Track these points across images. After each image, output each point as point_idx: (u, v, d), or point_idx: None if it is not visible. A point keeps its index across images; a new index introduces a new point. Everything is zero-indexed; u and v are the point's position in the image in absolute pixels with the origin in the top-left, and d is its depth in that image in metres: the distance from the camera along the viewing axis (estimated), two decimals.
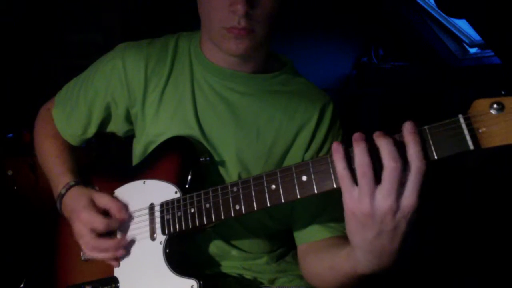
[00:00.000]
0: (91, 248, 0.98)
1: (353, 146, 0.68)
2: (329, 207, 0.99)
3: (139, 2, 2.99)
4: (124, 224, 1.02)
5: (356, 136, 0.68)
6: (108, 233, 1.00)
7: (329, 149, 1.07)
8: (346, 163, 0.69)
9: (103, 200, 1.00)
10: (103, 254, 0.99)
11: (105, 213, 1.00)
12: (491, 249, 2.05)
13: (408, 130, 0.65)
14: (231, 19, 0.89)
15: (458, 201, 2.29)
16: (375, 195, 0.66)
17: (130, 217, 1.02)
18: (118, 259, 1.02)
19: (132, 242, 1.01)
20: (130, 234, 1.02)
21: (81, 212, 0.98)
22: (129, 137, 1.18)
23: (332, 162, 0.73)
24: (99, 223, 0.97)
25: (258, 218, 1.08)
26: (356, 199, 0.68)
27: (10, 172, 2.21)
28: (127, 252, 1.01)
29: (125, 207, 1.02)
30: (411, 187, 0.65)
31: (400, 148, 0.65)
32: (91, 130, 1.15)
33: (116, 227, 1.00)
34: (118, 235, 1.02)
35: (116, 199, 1.02)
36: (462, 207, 2.27)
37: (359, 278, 0.82)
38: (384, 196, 0.65)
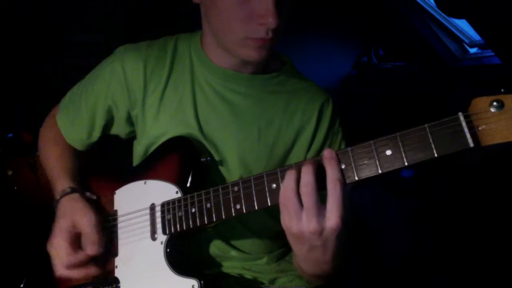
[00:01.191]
0: (58, 275, 1.00)
1: (286, 174, 0.76)
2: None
3: (139, 3, 2.98)
4: (123, 227, 1.03)
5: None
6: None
7: (330, 147, 1.08)
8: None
9: (82, 226, 1.00)
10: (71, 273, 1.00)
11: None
12: (491, 249, 2.05)
13: (324, 157, 0.73)
14: (258, 30, 0.89)
15: (457, 201, 2.29)
16: (302, 217, 0.73)
17: (130, 212, 1.03)
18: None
19: (132, 243, 1.02)
20: (131, 234, 1.02)
21: (56, 236, 1.00)
22: (130, 138, 1.18)
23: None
24: (64, 257, 0.98)
25: (260, 219, 1.08)
26: (287, 220, 0.75)
27: (10, 172, 2.21)
28: (128, 248, 1.02)
29: (99, 240, 1.00)
30: (331, 209, 0.71)
31: (322, 173, 0.73)
32: (96, 134, 1.15)
33: (82, 262, 1.00)
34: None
35: (96, 229, 1.00)
36: (461, 206, 2.27)
37: (313, 278, 0.91)
38: (308, 219, 0.73)
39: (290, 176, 0.74)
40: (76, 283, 1.06)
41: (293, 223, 0.74)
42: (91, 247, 0.99)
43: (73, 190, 1.06)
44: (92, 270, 1.01)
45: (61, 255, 0.98)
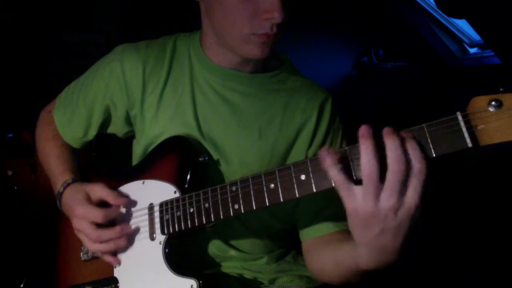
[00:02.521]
0: (93, 240, 0.98)
1: (359, 143, 0.67)
2: (334, 201, 1.00)
3: (139, 3, 2.99)
4: (124, 214, 1.02)
5: (364, 132, 0.68)
6: (109, 225, 1.00)
7: (331, 144, 1.09)
8: (340, 166, 0.69)
9: (97, 191, 1.00)
10: (106, 245, 0.98)
11: (102, 204, 1.00)
12: (491, 249, 2.05)
13: (405, 136, 0.66)
14: (264, 26, 0.89)
15: (457, 201, 2.29)
16: (379, 194, 0.67)
17: (129, 212, 1.02)
18: (118, 259, 1.02)
19: (131, 241, 1.01)
20: (130, 233, 1.02)
21: (77, 207, 0.98)
22: (129, 137, 1.18)
23: None
24: (97, 214, 0.96)
25: (262, 219, 1.08)
26: (359, 199, 0.68)
27: (10, 172, 2.21)
28: (127, 249, 1.01)
29: (120, 193, 1.02)
30: (413, 187, 0.66)
31: (403, 149, 0.66)
32: (92, 133, 1.15)
33: (115, 215, 1.00)
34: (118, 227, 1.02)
35: (112, 190, 1.01)
36: (461, 206, 2.27)
37: (361, 273, 0.83)
38: (387, 196, 0.66)
39: (367, 150, 0.66)
40: (77, 281, 1.07)
41: (367, 203, 0.68)
42: (118, 198, 0.99)
43: (74, 181, 1.07)
44: (122, 228, 0.99)
45: (94, 214, 0.97)
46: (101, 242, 0.98)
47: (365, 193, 0.67)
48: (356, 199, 0.69)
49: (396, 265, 0.76)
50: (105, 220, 0.97)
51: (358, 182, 0.69)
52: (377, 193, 0.67)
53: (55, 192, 1.09)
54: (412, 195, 0.66)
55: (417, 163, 0.65)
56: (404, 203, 0.66)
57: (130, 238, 1.01)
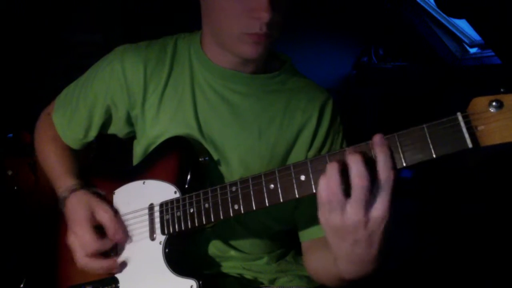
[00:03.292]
0: (80, 265, 1.00)
1: (327, 167, 0.69)
2: None
3: (139, 3, 2.99)
4: (123, 219, 1.03)
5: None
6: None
7: (331, 145, 1.09)
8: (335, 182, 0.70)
9: (101, 215, 1.01)
10: (94, 271, 1.01)
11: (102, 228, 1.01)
12: (491, 250, 2.05)
13: (375, 143, 0.68)
14: (252, 25, 0.90)
15: (457, 201, 2.29)
16: (346, 209, 0.68)
17: (129, 213, 1.03)
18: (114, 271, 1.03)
19: (131, 241, 1.01)
20: (130, 234, 1.02)
21: (77, 225, 1.00)
22: (130, 137, 1.18)
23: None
24: (90, 244, 0.98)
25: (261, 220, 1.08)
26: (328, 214, 0.70)
27: (10, 172, 2.22)
28: (127, 248, 1.01)
29: (123, 228, 1.02)
30: (380, 198, 0.67)
31: (370, 162, 0.68)
32: (92, 134, 1.15)
33: (108, 249, 1.01)
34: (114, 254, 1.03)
35: (116, 218, 1.01)
36: (461, 206, 2.27)
37: (347, 282, 0.84)
38: (354, 210, 0.68)
39: (334, 168, 0.68)
40: (78, 281, 1.07)
41: (336, 217, 0.69)
42: (117, 234, 1.00)
43: (81, 187, 1.07)
44: (111, 263, 1.00)
45: (86, 243, 0.98)
46: (88, 269, 1.00)
47: (331, 208, 0.69)
48: (326, 213, 0.71)
49: (377, 273, 0.78)
50: (97, 252, 0.99)
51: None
52: (343, 208, 0.68)
53: (57, 194, 1.09)
54: (380, 207, 0.67)
55: (383, 173, 0.66)
56: (371, 216, 0.68)
57: (130, 238, 1.01)
